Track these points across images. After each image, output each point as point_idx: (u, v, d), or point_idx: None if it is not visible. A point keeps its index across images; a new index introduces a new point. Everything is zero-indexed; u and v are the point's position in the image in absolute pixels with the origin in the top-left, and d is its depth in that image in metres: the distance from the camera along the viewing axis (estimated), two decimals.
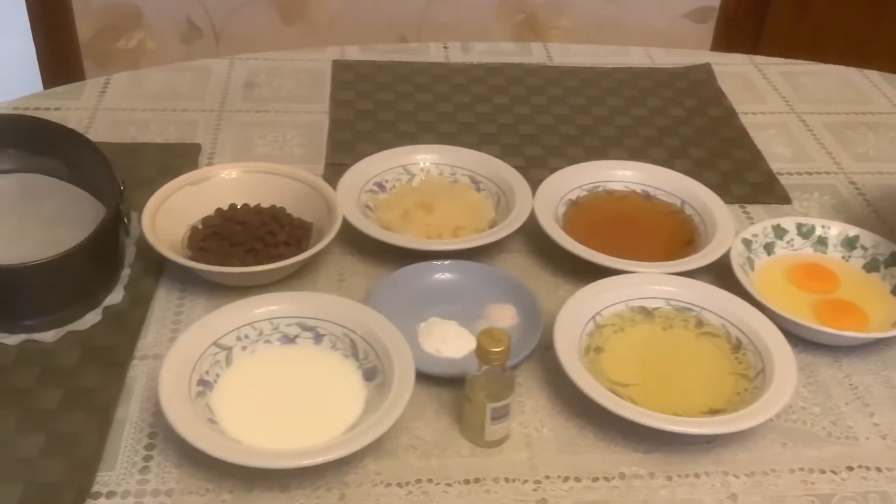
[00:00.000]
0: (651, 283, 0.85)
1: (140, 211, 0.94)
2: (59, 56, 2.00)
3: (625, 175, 1.02)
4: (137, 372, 0.79)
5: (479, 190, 1.01)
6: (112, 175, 0.89)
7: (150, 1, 1.91)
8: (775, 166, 1.13)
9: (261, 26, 1.94)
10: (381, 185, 1.00)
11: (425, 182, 1.01)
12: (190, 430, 0.69)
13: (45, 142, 0.98)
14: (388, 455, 0.73)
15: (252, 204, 0.95)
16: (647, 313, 0.84)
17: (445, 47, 1.37)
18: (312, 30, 1.94)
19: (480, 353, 0.70)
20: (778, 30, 1.95)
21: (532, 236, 0.97)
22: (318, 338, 0.80)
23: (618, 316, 0.83)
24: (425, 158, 1.03)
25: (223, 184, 0.96)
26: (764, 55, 1.40)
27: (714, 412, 0.75)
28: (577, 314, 0.82)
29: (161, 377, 0.72)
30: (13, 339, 0.80)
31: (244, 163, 0.98)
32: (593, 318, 0.82)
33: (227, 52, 1.97)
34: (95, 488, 0.69)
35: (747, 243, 0.92)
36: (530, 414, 0.78)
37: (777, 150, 1.17)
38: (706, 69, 1.35)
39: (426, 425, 0.76)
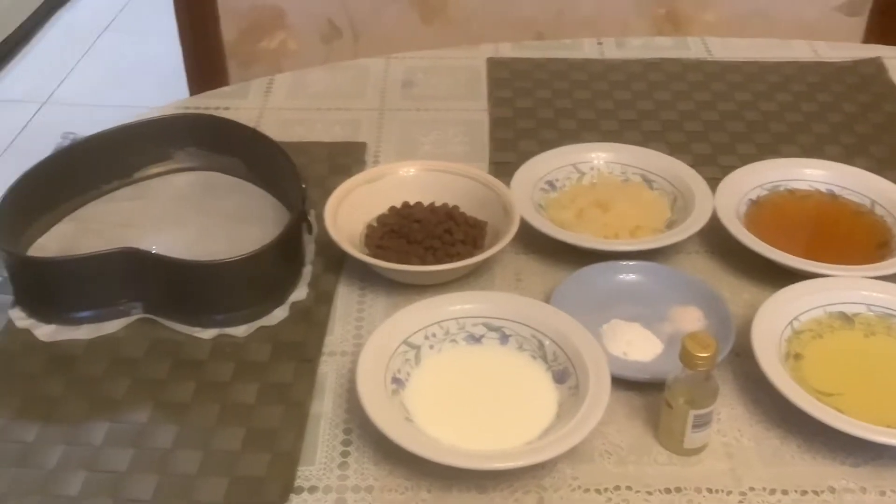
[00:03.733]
0: (850, 288, 0.81)
1: (315, 208, 0.95)
2: (204, 57, 2.06)
3: (809, 174, 0.98)
4: (327, 368, 0.80)
5: (652, 189, 0.98)
6: (296, 174, 0.90)
7: (293, 1, 1.95)
8: None
9: (399, 26, 1.95)
10: (551, 184, 0.99)
11: (598, 181, 0.99)
12: (392, 428, 0.69)
13: (225, 140, 1.00)
14: (583, 460, 0.71)
15: (425, 202, 0.95)
16: (847, 319, 0.80)
17: (599, 43, 1.35)
18: (450, 28, 1.94)
19: (685, 357, 0.68)
20: None
21: (710, 236, 0.94)
22: (504, 338, 0.79)
23: (816, 321, 0.80)
24: (599, 157, 1.01)
25: (396, 182, 0.96)
26: None
27: None
28: (774, 319, 0.78)
29: (358, 375, 0.73)
30: (207, 334, 0.82)
31: (420, 161, 0.99)
32: (790, 323, 0.79)
33: (364, 51, 1.99)
34: (298, 483, 0.70)
35: None
36: (727, 422, 0.75)
37: None
38: (876, 63, 1.28)
39: (619, 431, 0.74)
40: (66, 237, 0.92)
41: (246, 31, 2.01)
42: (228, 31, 2.01)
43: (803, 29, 1.88)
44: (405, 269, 0.85)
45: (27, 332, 0.82)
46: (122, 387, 0.77)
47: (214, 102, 1.20)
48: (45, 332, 0.82)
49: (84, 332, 0.82)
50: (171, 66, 2.25)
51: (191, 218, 0.95)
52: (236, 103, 1.20)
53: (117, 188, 0.98)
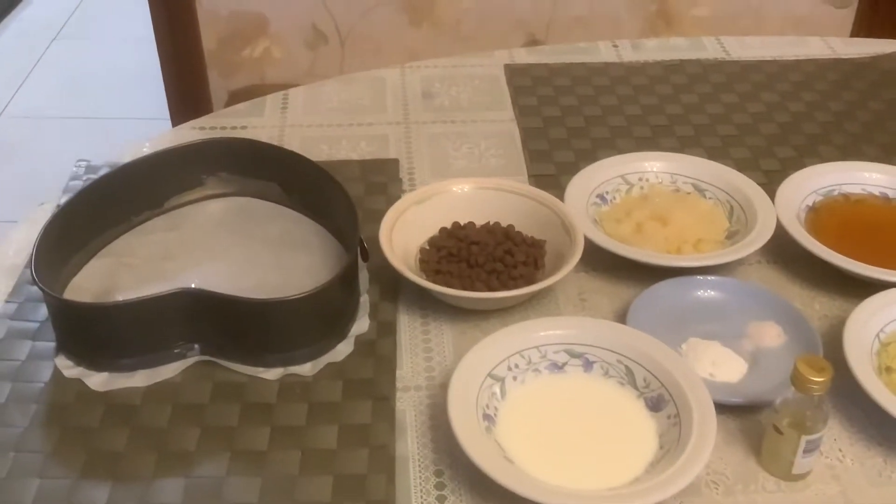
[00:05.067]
0: None
1: (361, 231, 0.91)
2: (184, 67, 1.99)
3: (862, 177, 0.96)
4: (403, 405, 0.76)
5: (706, 198, 0.96)
6: (346, 198, 0.86)
7: (276, 8, 1.89)
8: None
9: (387, 29, 1.90)
10: (602, 197, 0.96)
11: (648, 192, 0.97)
12: (497, 471, 0.65)
13: (260, 164, 0.96)
14: (690, 492, 0.68)
15: (476, 222, 0.91)
16: None
17: (615, 46, 1.32)
18: (440, 31, 1.91)
19: (799, 381, 0.66)
20: None
21: (769, 245, 0.91)
22: (588, 365, 0.76)
23: None
24: (646, 166, 0.98)
25: (444, 202, 0.92)
26: None
27: None
28: (863, 332, 0.77)
29: (451, 414, 0.69)
30: (272, 374, 0.77)
31: (470, 178, 0.95)
32: (877, 335, 0.77)
33: (352, 57, 1.94)
34: None
35: None
36: (827, 442, 0.73)
37: None
38: (895, 58, 1.28)
39: (720, 457, 0.72)
40: (103, 274, 0.86)
41: (226, 39, 1.94)
42: (208, 39, 1.94)
43: (794, 22, 1.89)
44: (476, 296, 0.82)
45: (78, 381, 0.76)
46: (192, 437, 0.72)
47: (230, 122, 1.14)
48: (98, 381, 0.76)
49: (140, 379, 0.76)
50: (149, 78, 2.17)
51: (231, 247, 0.90)
52: (253, 122, 1.14)
53: (148, 219, 0.93)
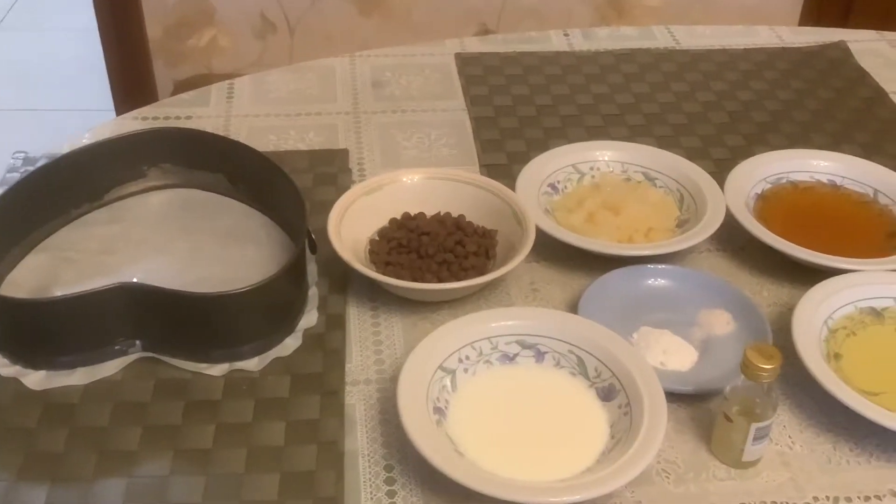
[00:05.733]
0: (878, 282, 0.81)
1: (309, 223, 0.89)
2: (127, 57, 1.94)
3: (810, 164, 0.97)
4: (352, 399, 0.75)
5: (656, 187, 0.96)
6: (295, 190, 0.84)
7: None
8: None
9: (337, 19, 1.88)
10: (553, 186, 0.95)
11: (600, 181, 0.96)
12: (449, 465, 0.64)
13: (204, 155, 0.93)
14: (642, 481, 0.68)
15: (427, 212, 0.90)
16: (877, 314, 0.80)
17: (566, 35, 1.32)
18: (390, 21, 1.89)
19: (748, 369, 0.66)
20: (870, 2, 1.89)
21: (718, 232, 0.91)
22: (539, 356, 0.76)
23: (848, 318, 0.79)
24: (597, 155, 0.98)
25: (394, 192, 0.91)
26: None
27: None
28: (811, 319, 0.77)
29: (401, 408, 0.68)
30: (217, 370, 0.75)
31: (421, 169, 0.93)
32: (825, 322, 0.78)
33: (301, 46, 1.91)
34: None
35: None
36: (777, 429, 0.73)
37: None
38: (841, 47, 1.29)
39: (671, 446, 0.71)
40: (41, 269, 0.83)
41: (172, 28, 1.90)
42: (153, 28, 1.90)
43: (744, 11, 1.90)
44: (427, 287, 0.80)
45: (15, 380, 0.74)
46: (134, 436, 0.70)
47: (174, 111, 1.11)
48: (35, 379, 0.74)
49: (79, 378, 0.74)
50: (92, 67, 2.12)
51: (175, 240, 0.88)
52: (198, 112, 1.12)
53: (88, 212, 0.90)
